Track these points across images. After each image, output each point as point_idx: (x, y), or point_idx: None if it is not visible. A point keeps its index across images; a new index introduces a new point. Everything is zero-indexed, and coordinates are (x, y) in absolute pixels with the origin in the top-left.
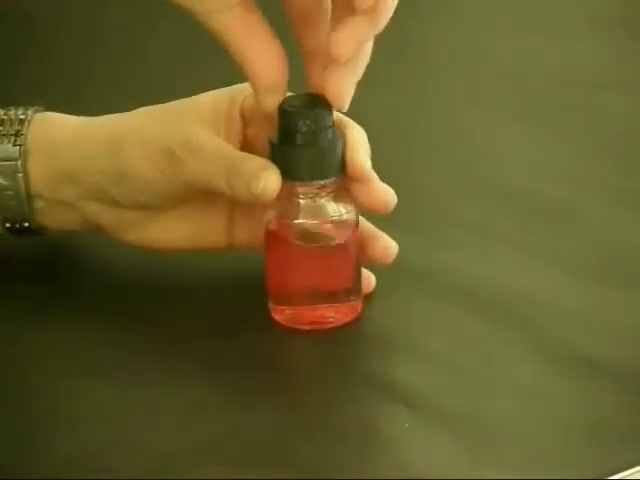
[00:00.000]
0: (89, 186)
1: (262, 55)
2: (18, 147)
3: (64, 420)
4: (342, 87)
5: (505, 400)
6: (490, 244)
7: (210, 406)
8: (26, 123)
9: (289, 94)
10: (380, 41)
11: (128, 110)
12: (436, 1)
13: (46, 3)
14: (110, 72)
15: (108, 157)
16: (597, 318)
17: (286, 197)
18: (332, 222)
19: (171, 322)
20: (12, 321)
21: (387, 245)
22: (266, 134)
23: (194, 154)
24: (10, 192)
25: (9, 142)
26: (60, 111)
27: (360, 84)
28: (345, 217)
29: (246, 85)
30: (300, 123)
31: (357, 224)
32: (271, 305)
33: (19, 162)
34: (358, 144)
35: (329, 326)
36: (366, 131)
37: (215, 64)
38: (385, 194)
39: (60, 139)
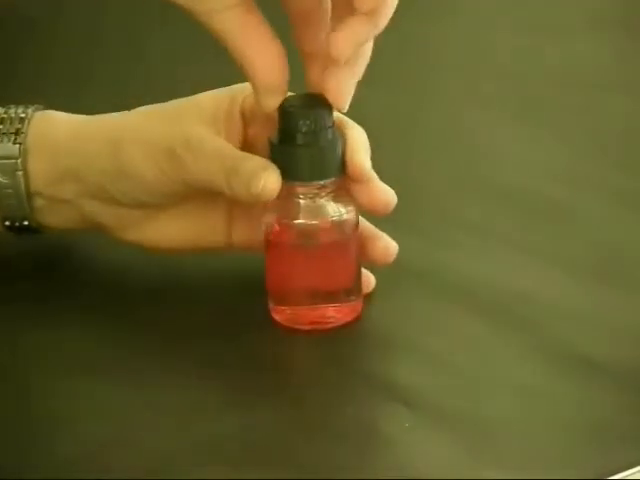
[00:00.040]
0: (89, 185)
1: (262, 55)
2: (18, 145)
3: (64, 420)
4: (342, 87)
5: (505, 400)
6: (490, 244)
7: (210, 406)
8: (26, 121)
9: (289, 94)
10: (380, 41)
11: (128, 110)
12: (436, 1)
13: (46, 3)
14: (110, 72)
15: (108, 156)
16: (597, 318)
17: (286, 197)
18: (332, 222)
19: (171, 322)
20: (12, 321)
21: (387, 245)
22: (266, 134)
23: (194, 153)
24: (10, 190)
25: (9, 140)
26: (60, 111)
27: (360, 84)
28: (345, 217)
29: (246, 85)
30: (300, 123)
31: (357, 224)
32: (271, 305)
33: (19, 160)
34: (358, 144)
35: (329, 326)
36: (366, 131)
37: (215, 64)
38: (385, 194)
39: (60, 137)
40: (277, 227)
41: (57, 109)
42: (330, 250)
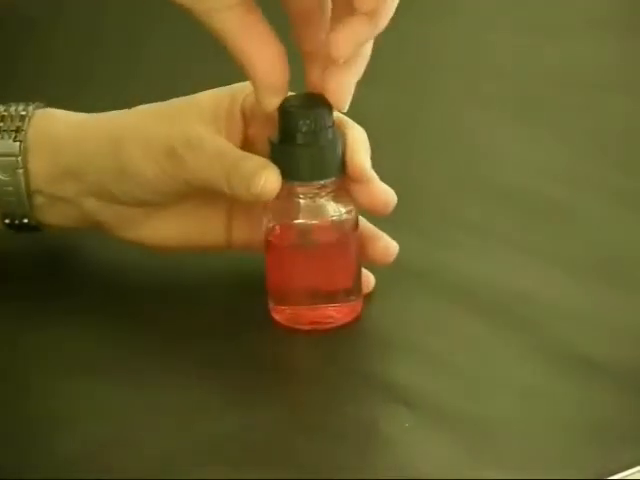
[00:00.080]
0: (89, 183)
1: (262, 55)
2: (18, 143)
3: (64, 420)
4: (342, 87)
5: (505, 400)
6: (490, 244)
7: (210, 406)
8: (27, 119)
9: (289, 94)
10: (380, 41)
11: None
12: (436, 1)
13: (46, 3)
14: (110, 72)
15: (109, 155)
16: (597, 318)
17: (286, 197)
18: (332, 222)
19: (171, 322)
20: (12, 321)
21: (387, 245)
22: (266, 133)
23: (195, 152)
24: (10, 188)
25: (10, 138)
26: None
27: (360, 84)
28: (345, 217)
29: (247, 84)
30: (300, 123)
31: (357, 224)
32: (271, 305)
33: (19, 158)
34: (358, 144)
35: (329, 326)
36: (366, 131)
37: (215, 64)
38: (385, 194)
39: (61, 136)
40: (277, 227)
41: (57, 109)
42: (330, 250)
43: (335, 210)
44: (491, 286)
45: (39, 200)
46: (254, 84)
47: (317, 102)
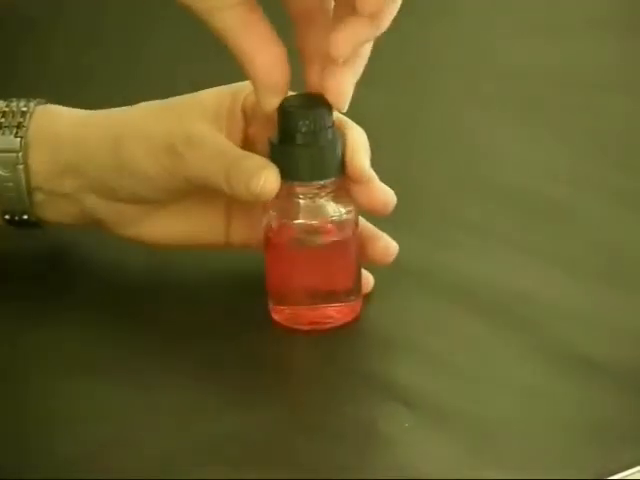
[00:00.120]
0: (90, 180)
1: (263, 55)
2: (19, 139)
3: (64, 420)
4: (341, 87)
5: (505, 400)
6: (490, 244)
7: (210, 406)
8: (28, 115)
9: (290, 93)
10: (380, 41)
11: None
12: (436, 1)
13: (46, 3)
14: (110, 72)
15: (109, 152)
16: (597, 318)
17: (286, 197)
18: (332, 222)
19: (171, 322)
20: (12, 321)
21: (387, 245)
22: (267, 132)
23: (195, 150)
24: (10, 184)
25: (11, 133)
26: None
27: (360, 84)
28: (345, 217)
29: (248, 82)
30: (300, 123)
31: (357, 224)
32: (271, 305)
33: (20, 154)
34: (358, 145)
35: (328, 326)
36: (366, 131)
37: (215, 63)
38: (385, 195)
39: (61, 132)
40: (277, 227)
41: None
42: (330, 250)
43: (335, 210)
44: (491, 286)
45: (39, 196)
46: (254, 84)
47: (317, 102)
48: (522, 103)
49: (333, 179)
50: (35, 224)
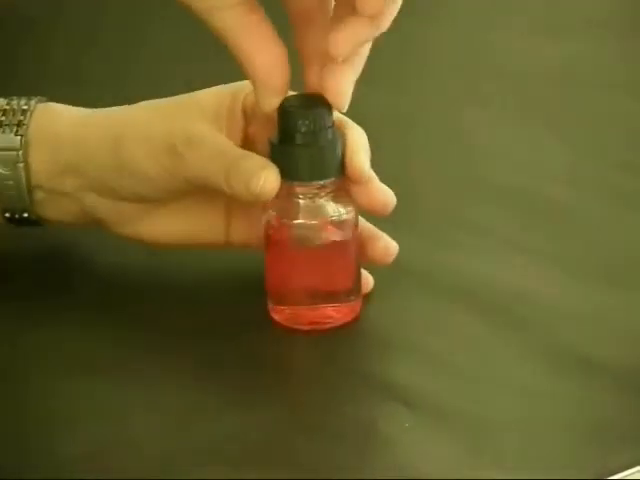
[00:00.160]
0: (90, 179)
1: (263, 55)
2: (20, 137)
3: (64, 420)
4: (341, 85)
5: (505, 400)
6: (490, 244)
7: (210, 406)
8: (28, 113)
9: (290, 93)
10: (380, 41)
11: None
12: (436, 1)
13: (46, 3)
14: (110, 72)
15: (109, 152)
16: (597, 318)
17: (285, 197)
18: (332, 222)
19: (171, 322)
20: (12, 321)
21: (387, 245)
22: (267, 132)
23: (195, 150)
24: (11, 182)
25: (11, 132)
26: None
27: (360, 84)
28: (345, 217)
29: (248, 82)
30: (300, 123)
31: (357, 224)
32: (270, 305)
33: (20, 152)
34: (357, 145)
35: (328, 326)
36: (366, 131)
37: (215, 63)
38: (384, 195)
39: (61, 131)
40: (276, 227)
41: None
42: (330, 250)
43: (335, 210)
44: (491, 286)
45: (39, 195)
46: (254, 84)
47: (317, 102)
48: (522, 103)
49: (333, 179)
50: (35, 222)
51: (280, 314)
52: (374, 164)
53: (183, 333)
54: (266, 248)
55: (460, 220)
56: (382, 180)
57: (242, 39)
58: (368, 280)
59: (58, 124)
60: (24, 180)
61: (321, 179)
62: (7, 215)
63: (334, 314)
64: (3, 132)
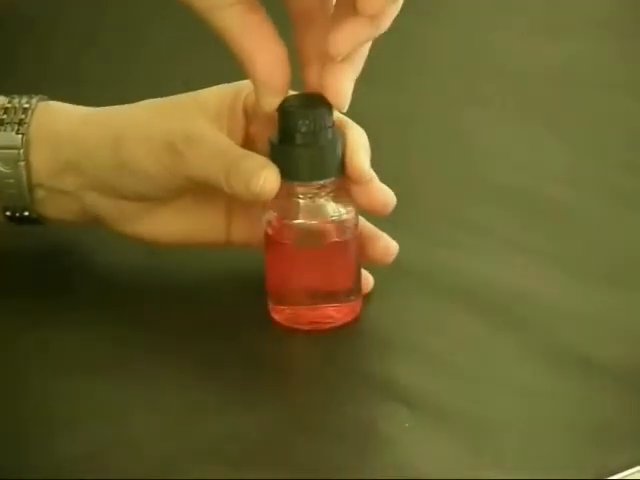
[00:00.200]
0: (90, 177)
1: (263, 54)
2: (21, 136)
3: (64, 420)
4: (341, 84)
5: (505, 400)
6: (490, 244)
7: (210, 406)
8: (29, 112)
9: (290, 93)
10: (380, 41)
11: None
12: (436, 1)
13: (46, 3)
14: (110, 72)
15: (110, 151)
16: (597, 318)
17: (285, 197)
18: (332, 222)
19: (171, 322)
20: (12, 320)
21: (387, 245)
22: (268, 131)
23: (195, 149)
24: (12, 180)
25: (12, 130)
26: None
27: (360, 83)
28: (345, 217)
29: (249, 81)
30: (300, 123)
31: (357, 224)
32: (271, 305)
33: (21, 151)
34: (358, 145)
35: (328, 326)
36: (366, 131)
37: (215, 62)
38: (384, 195)
39: (62, 130)
40: (277, 227)
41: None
42: (330, 250)
43: (335, 210)
44: (491, 286)
45: (40, 193)
46: (254, 83)
47: (317, 102)
48: (522, 103)
49: (333, 179)
50: (36, 221)
51: (280, 314)
52: (374, 164)
53: (183, 333)
54: (266, 248)
55: (460, 220)
56: (382, 180)
57: (243, 38)
58: (368, 280)
59: (59, 123)
60: (25, 178)
61: (321, 179)
62: (8, 213)
63: (334, 314)
64: (4, 130)
